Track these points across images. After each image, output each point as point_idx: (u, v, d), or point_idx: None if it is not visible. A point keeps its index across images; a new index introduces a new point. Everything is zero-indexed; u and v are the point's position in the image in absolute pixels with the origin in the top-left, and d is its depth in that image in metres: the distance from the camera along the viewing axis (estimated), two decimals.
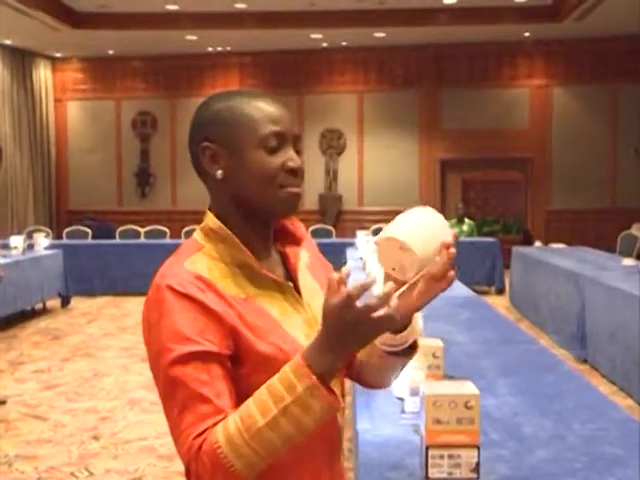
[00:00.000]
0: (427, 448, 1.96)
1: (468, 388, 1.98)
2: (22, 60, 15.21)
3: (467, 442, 1.94)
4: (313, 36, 13.97)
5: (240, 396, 1.31)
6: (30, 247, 10.32)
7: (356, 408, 2.65)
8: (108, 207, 15.88)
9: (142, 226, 13.32)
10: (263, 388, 1.26)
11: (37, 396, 6.29)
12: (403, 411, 2.52)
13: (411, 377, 2.46)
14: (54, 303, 10.65)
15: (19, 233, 12.02)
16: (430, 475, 1.97)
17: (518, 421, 2.49)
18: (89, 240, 12.97)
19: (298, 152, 1.45)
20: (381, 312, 1.20)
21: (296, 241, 1.56)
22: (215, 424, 1.27)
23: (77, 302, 10.92)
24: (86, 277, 11.49)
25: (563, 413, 2.57)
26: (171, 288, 1.33)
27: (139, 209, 15.70)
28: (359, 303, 1.20)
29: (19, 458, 4.86)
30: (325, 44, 14.74)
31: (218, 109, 1.43)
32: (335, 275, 1.22)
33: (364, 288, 1.21)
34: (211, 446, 1.24)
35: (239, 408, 1.27)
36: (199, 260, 1.39)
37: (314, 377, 1.22)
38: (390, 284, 1.24)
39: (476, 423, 1.93)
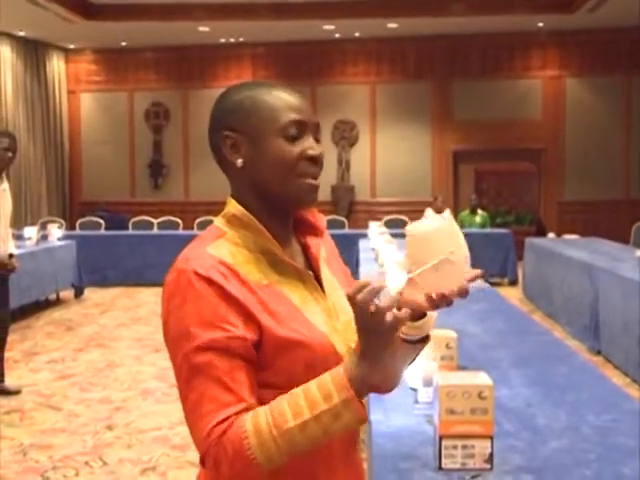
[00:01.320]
0: (441, 438, 1.96)
1: (482, 379, 1.98)
2: (35, 51, 15.24)
3: (481, 432, 1.94)
4: (326, 27, 13.94)
5: (261, 381, 1.34)
6: (44, 238, 10.36)
7: (369, 399, 2.66)
8: (121, 198, 15.91)
9: (155, 217, 13.36)
10: (299, 390, 1.28)
11: (51, 386, 6.33)
12: (416, 401, 2.52)
13: (424, 368, 2.47)
14: (67, 294, 10.70)
15: (33, 224, 12.08)
16: (443, 465, 1.97)
17: (532, 412, 2.49)
18: (102, 231, 13.02)
19: (318, 140, 1.45)
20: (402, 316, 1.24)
21: (317, 232, 1.57)
22: (236, 413, 1.28)
23: (90, 293, 10.97)
24: (99, 268, 11.54)
25: (577, 404, 2.57)
26: (195, 272, 1.34)
27: (152, 200, 15.73)
28: (388, 316, 1.22)
29: (34, 447, 4.90)
30: (338, 35, 14.70)
31: (239, 99, 1.44)
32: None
33: (375, 292, 1.24)
34: (238, 435, 1.26)
35: (271, 404, 1.29)
36: (222, 246, 1.40)
37: (352, 391, 1.25)
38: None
39: (490, 413, 1.94)
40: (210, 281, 1.33)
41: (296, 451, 1.27)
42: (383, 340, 1.24)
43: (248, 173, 1.43)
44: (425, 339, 1.41)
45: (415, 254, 1.30)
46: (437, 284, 1.27)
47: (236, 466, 1.26)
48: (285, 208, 1.46)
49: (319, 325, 1.41)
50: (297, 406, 1.26)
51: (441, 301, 1.28)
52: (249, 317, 1.34)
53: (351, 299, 1.23)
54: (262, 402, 1.32)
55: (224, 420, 1.28)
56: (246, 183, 1.44)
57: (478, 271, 1.32)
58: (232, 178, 1.47)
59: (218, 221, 1.47)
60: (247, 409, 1.29)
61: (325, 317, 1.44)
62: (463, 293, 1.29)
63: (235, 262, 1.38)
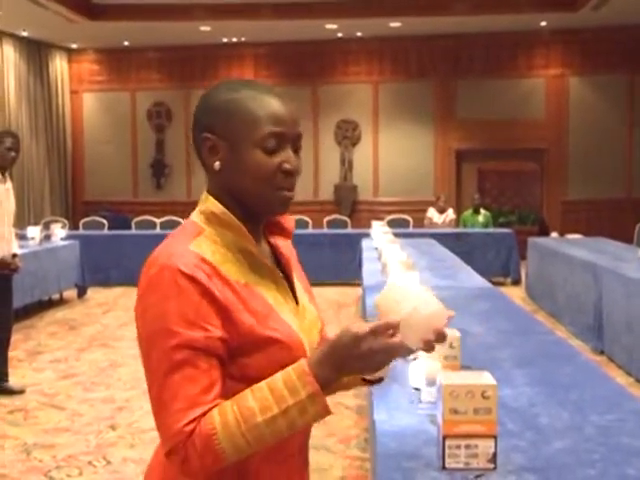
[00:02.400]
0: (444, 438, 1.96)
1: (485, 378, 1.98)
2: (38, 51, 15.26)
3: (484, 432, 1.94)
4: (328, 26, 13.94)
5: (236, 379, 1.38)
6: (47, 238, 10.37)
7: (373, 399, 2.66)
8: (124, 198, 15.93)
9: (158, 217, 13.36)
10: (264, 385, 1.32)
11: (55, 385, 6.34)
12: (420, 401, 2.52)
13: (428, 367, 2.47)
14: (71, 293, 10.71)
15: (36, 224, 12.09)
16: (447, 465, 1.97)
17: (535, 411, 2.49)
18: (105, 231, 13.04)
19: (297, 150, 1.48)
20: (399, 349, 1.30)
21: (286, 234, 1.60)
22: (204, 413, 1.31)
23: (93, 292, 10.97)
24: (102, 268, 11.55)
25: (580, 404, 2.57)
26: (179, 270, 1.34)
27: (154, 200, 15.74)
28: (381, 339, 1.29)
29: (37, 446, 4.90)
30: (340, 34, 14.70)
31: (224, 100, 1.44)
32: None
33: (389, 327, 1.29)
34: (207, 431, 1.29)
35: (236, 398, 1.33)
36: (202, 243, 1.41)
37: (317, 386, 1.29)
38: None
39: (493, 413, 1.93)
40: (194, 280, 1.34)
41: (263, 444, 1.32)
42: (364, 354, 1.29)
43: (224, 177, 1.44)
44: (380, 380, 1.52)
45: (386, 312, 1.35)
46: (413, 334, 1.33)
47: (206, 461, 1.30)
48: (254, 213, 1.48)
49: (291, 324, 1.45)
50: (264, 400, 1.30)
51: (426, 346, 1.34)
52: (229, 317, 1.36)
53: (373, 333, 1.28)
54: (230, 394, 1.35)
55: (194, 420, 1.31)
56: (222, 185, 1.46)
57: (450, 313, 1.38)
58: (209, 177, 1.49)
59: (196, 217, 1.48)
60: (215, 407, 1.33)
61: (294, 317, 1.48)
62: (440, 339, 1.35)
63: (215, 260, 1.39)
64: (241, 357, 1.38)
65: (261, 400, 1.30)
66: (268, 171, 1.41)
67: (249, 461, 1.39)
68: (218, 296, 1.35)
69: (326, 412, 1.32)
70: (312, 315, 1.55)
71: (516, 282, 11.52)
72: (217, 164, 1.44)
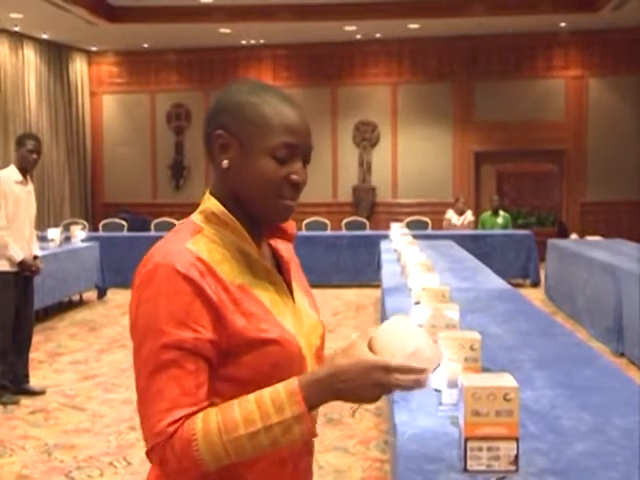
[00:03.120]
0: (466, 440, 1.96)
1: (507, 380, 1.97)
2: (59, 54, 15.36)
3: (506, 434, 1.93)
4: (347, 28, 13.95)
5: (226, 380, 1.37)
6: (67, 239, 10.43)
7: (393, 401, 2.66)
8: (143, 200, 16.00)
9: (177, 218, 13.38)
10: (252, 397, 1.31)
11: (75, 387, 6.37)
12: (441, 403, 2.51)
13: (448, 369, 2.46)
14: (91, 295, 10.77)
15: (56, 225, 12.16)
16: (469, 467, 1.96)
17: (556, 414, 2.48)
18: (124, 232, 13.09)
19: (307, 162, 1.47)
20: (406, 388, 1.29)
21: (287, 237, 1.59)
22: (187, 415, 1.30)
23: (113, 294, 11.02)
24: (122, 269, 11.58)
25: (602, 406, 2.55)
26: (174, 268, 1.34)
27: (173, 202, 15.79)
28: (393, 376, 1.28)
29: (58, 447, 4.93)
30: (359, 36, 14.71)
31: (241, 102, 1.45)
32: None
33: (410, 371, 1.29)
34: (187, 435, 1.28)
35: (222, 407, 1.31)
36: (200, 242, 1.40)
37: (305, 407, 1.28)
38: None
39: (515, 415, 1.93)
40: (188, 279, 1.34)
41: (243, 457, 1.31)
42: (369, 383, 1.28)
43: (231, 176, 1.44)
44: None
45: (385, 345, 1.34)
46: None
47: (183, 464, 1.30)
48: (255, 217, 1.48)
49: (288, 327, 1.43)
50: (249, 413, 1.28)
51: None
52: (220, 317, 1.35)
53: (400, 370, 1.28)
54: (221, 395, 1.35)
55: (176, 421, 1.30)
56: (227, 185, 1.45)
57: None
58: (216, 176, 1.48)
59: (195, 217, 1.47)
60: (200, 411, 1.32)
61: (293, 319, 1.47)
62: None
63: (211, 260, 1.38)
64: (233, 358, 1.37)
65: (246, 413, 1.28)
66: (275, 180, 1.41)
67: (243, 466, 1.37)
68: (211, 296, 1.34)
69: (311, 434, 1.31)
70: (312, 319, 1.54)
71: (535, 284, 11.48)
72: (226, 162, 1.43)
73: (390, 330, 1.34)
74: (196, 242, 1.40)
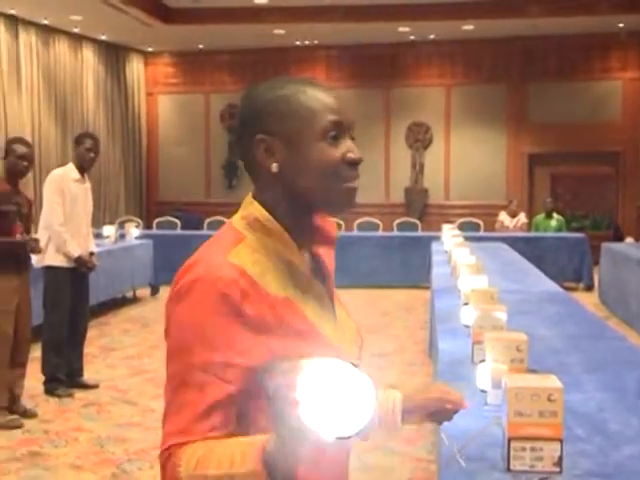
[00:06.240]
0: (509, 440, 1.96)
1: (551, 381, 1.97)
2: (116, 55, 15.61)
3: (550, 435, 1.94)
4: (401, 29, 13.93)
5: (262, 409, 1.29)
6: (121, 237, 10.57)
7: None
8: (196, 199, 16.16)
9: (229, 217, 13.37)
10: (233, 441, 1.23)
11: (127, 382, 6.48)
12: (486, 403, 2.52)
13: (494, 370, 2.47)
14: (144, 292, 10.91)
15: (111, 223, 12.35)
16: (512, 467, 1.97)
17: (604, 417, 2.47)
18: (178, 231, 13.24)
19: (353, 139, 1.39)
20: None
21: (329, 242, 1.51)
22: (188, 442, 1.25)
23: (165, 291, 11.07)
24: (174, 267, 11.19)
25: None
26: (212, 284, 1.27)
27: (226, 201, 15.90)
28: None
29: (110, 440, 5.03)
30: (413, 37, 14.67)
31: (271, 99, 1.37)
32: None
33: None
34: (176, 461, 1.24)
35: (215, 442, 1.24)
36: (242, 253, 1.32)
37: (260, 466, 1.15)
38: None
39: (559, 416, 1.93)
40: (227, 298, 1.27)
41: None
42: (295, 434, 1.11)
43: (283, 178, 1.36)
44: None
45: None
46: None
47: None
48: (314, 215, 1.42)
49: (332, 340, 1.36)
50: (223, 456, 1.20)
51: None
52: (260, 342, 1.28)
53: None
54: (255, 425, 1.29)
55: (176, 445, 1.25)
56: (279, 188, 1.37)
57: None
58: (262, 183, 1.40)
59: (237, 222, 1.40)
60: (202, 439, 1.25)
61: (335, 332, 1.40)
62: None
63: (255, 272, 1.30)
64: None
65: (221, 454, 1.21)
66: (333, 163, 1.34)
67: None
68: (251, 318, 1.27)
69: None
70: (352, 330, 1.47)
71: (589, 288, 11.32)
72: (275, 166, 1.35)
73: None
74: (239, 253, 1.32)
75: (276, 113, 1.36)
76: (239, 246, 1.34)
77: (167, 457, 1.26)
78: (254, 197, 1.41)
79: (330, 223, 1.50)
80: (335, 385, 1.06)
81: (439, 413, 1.57)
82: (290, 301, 1.33)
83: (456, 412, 1.57)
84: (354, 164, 1.37)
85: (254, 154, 1.38)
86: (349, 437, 1.08)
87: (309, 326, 1.34)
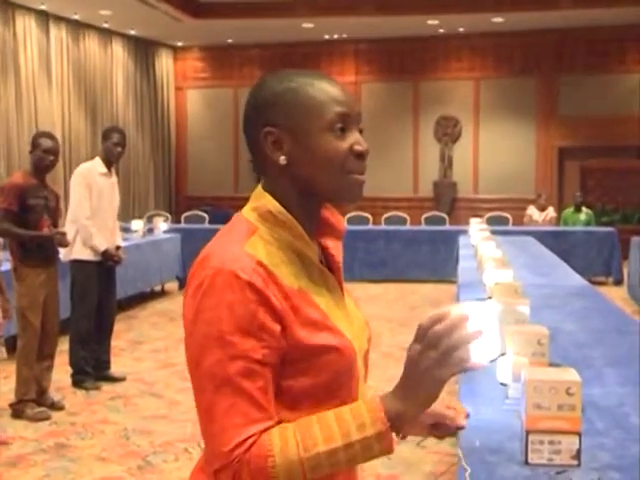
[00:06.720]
0: (527, 433, 1.96)
1: (570, 375, 1.96)
2: (145, 50, 15.70)
3: (568, 428, 1.93)
4: (430, 22, 13.88)
5: (284, 391, 1.31)
6: (150, 231, 10.65)
7: (461, 393, 2.66)
8: (225, 193, 16.22)
9: None
10: (330, 414, 1.26)
11: (154, 374, 6.52)
12: (506, 397, 2.51)
13: (514, 363, 2.46)
14: (172, 285, 10.97)
15: (140, 217, 12.43)
16: (530, 460, 1.96)
17: (624, 411, 2.45)
18: (206, 224, 13.29)
19: (361, 131, 1.40)
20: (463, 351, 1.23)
21: (337, 234, 1.50)
22: (262, 430, 1.25)
23: None
24: None
25: None
26: (235, 275, 1.27)
27: None
28: (445, 342, 1.23)
29: (136, 432, 5.07)
30: (442, 30, 14.61)
31: (279, 92, 1.37)
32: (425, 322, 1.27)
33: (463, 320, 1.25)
34: (264, 451, 1.23)
35: (299, 423, 1.26)
36: (257, 244, 1.33)
37: (387, 425, 1.23)
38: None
39: (577, 410, 1.92)
40: (252, 286, 1.27)
41: (319, 474, 1.25)
42: (429, 382, 1.23)
43: (291, 171, 1.37)
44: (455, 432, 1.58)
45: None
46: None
47: None
48: (325, 204, 1.44)
49: (344, 331, 1.37)
50: (329, 430, 1.24)
51: None
52: (283, 325, 1.29)
53: (425, 330, 1.25)
54: (283, 404, 1.31)
55: (251, 436, 1.24)
56: (287, 181, 1.38)
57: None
58: (270, 175, 1.40)
59: (248, 214, 1.39)
60: (274, 425, 1.27)
61: (346, 323, 1.40)
62: None
63: (270, 263, 1.31)
64: (292, 368, 1.31)
65: (326, 429, 1.24)
66: (340, 155, 1.34)
67: None
68: (275, 304, 1.28)
69: (389, 451, 1.26)
70: (360, 321, 1.48)
71: (618, 282, 11.22)
72: (283, 158, 1.36)
73: (459, 311, 1.29)
74: (253, 244, 1.32)
75: (283, 105, 1.36)
76: (253, 237, 1.34)
77: (243, 453, 1.23)
78: (265, 189, 1.41)
79: (338, 216, 1.50)
80: (484, 318, 1.25)
81: (439, 427, 1.55)
82: (304, 292, 1.34)
83: (459, 428, 1.55)
84: (361, 156, 1.37)
85: (262, 146, 1.39)
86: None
87: (323, 317, 1.35)
